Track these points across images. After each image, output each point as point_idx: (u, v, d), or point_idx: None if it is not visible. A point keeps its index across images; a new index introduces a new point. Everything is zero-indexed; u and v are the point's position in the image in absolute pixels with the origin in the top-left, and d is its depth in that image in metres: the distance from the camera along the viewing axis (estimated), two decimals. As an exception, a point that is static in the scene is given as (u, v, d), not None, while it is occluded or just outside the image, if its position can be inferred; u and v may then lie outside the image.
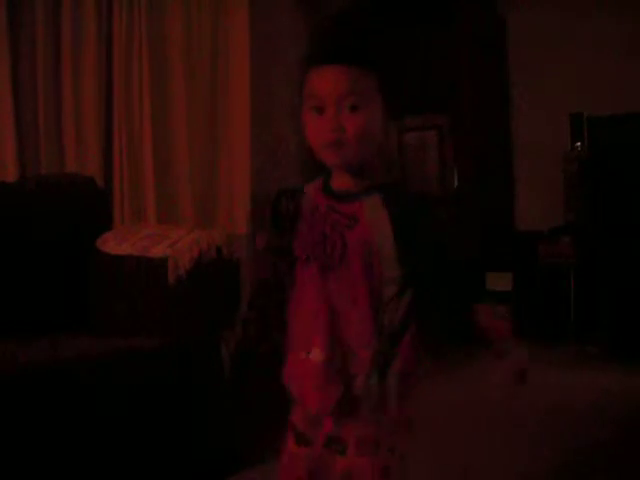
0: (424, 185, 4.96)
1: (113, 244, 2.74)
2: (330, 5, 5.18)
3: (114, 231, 2.95)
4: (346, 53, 1.29)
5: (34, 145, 3.76)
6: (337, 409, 1.33)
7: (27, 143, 3.74)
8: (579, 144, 4.60)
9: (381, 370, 1.31)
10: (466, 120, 4.88)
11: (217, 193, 4.22)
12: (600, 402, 3.28)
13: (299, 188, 1.44)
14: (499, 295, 4.67)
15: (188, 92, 4.14)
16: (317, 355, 1.32)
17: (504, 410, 3.24)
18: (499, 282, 4.68)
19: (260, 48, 4.41)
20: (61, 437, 2.06)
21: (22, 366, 2.07)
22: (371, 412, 1.32)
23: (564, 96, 4.85)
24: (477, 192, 4.90)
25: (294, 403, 1.42)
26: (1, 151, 3.65)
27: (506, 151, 5.26)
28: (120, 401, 2.20)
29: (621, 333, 4.20)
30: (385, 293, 1.33)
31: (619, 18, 4.74)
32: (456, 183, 4.88)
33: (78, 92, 3.86)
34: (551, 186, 4.77)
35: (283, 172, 4.69)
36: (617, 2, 4.75)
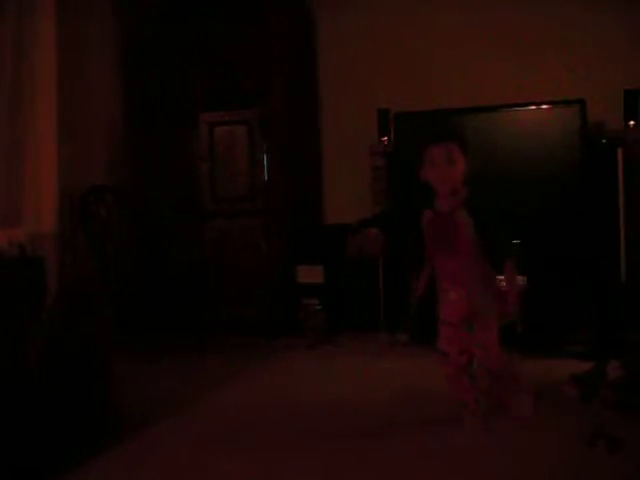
0: (235, 178, 4.97)
1: None
2: (141, 9, 5.09)
3: None
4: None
5: None
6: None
7: None
8: (385, 138, 4.76)
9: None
10: (276, 115, 4.93)
11: (23, 191, 4.05)
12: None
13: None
14: (311, 288, 4.76)
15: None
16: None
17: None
18: (310, 275, 4.77)
19: (69, 50, 4.34)
20: None
21: None
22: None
23: (371, 93, 5.02)
24: (287, 186, 4.97)
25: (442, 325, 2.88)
26: None
27: (316, 146, 5.36)
28: None
29: (423, 321, 4.39)
30: None
31: (424, 15, 4.98)
32: (266, 177, 4.92)
33: None
34: (360, 180, 4.91)
35: (90, 169, 4.58)
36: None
